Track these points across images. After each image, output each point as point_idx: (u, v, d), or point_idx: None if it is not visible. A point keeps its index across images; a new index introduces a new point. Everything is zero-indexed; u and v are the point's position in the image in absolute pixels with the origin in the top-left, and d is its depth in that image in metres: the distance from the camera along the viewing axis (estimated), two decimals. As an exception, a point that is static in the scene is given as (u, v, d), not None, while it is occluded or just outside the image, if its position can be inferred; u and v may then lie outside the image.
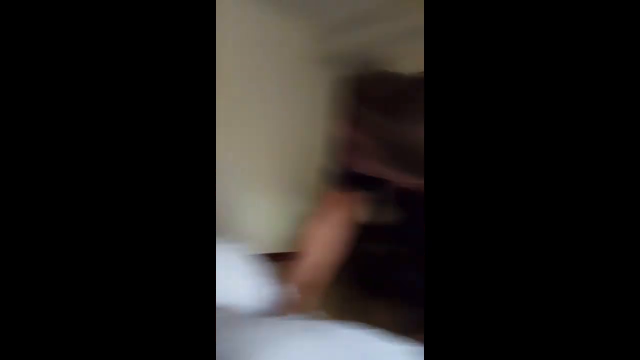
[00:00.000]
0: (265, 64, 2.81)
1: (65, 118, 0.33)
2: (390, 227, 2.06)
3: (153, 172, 0.35)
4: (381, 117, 0.47)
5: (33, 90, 0.33)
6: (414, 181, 0.55)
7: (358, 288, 2.15)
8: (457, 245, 0.34)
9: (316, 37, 2.95)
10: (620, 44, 0.31)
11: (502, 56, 0.34)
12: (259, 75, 2.78)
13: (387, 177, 0.56)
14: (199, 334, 0.34)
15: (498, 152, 0.34)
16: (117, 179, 0.34)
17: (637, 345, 0.29)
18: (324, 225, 0.78)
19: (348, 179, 0.72)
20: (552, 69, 0.33)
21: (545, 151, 0.33)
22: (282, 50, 2.89)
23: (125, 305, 0.33)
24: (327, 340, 0.54)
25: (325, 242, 0.77)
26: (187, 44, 0.36)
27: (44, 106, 0.33)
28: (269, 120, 2.92)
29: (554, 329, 0.31)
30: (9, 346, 0.31)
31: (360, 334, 0.58)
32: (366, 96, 0.49)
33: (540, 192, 0.33)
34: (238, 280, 0.83)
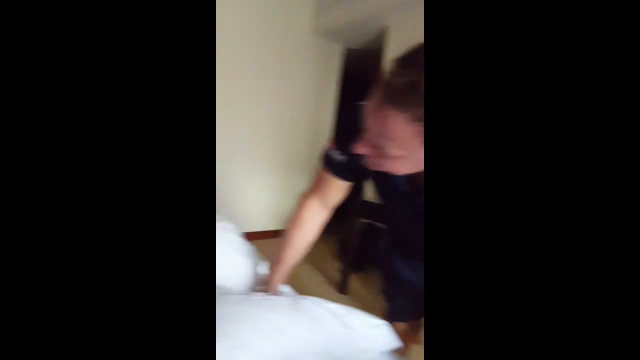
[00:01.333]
0: (268, 40, 2.74)
1: (66, 104, 0.34)
2: (374, 208, 2.07)
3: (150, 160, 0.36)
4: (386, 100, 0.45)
5: (25, 82, 0.33)
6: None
7: (342, 263, 2.23)
8: (457, 246, 0.34)
9: (320, 9, 2.87)
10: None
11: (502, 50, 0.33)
12: (261, 52, 2.72)
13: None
14: (199, 318, 0.36)
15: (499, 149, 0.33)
16: (119, 166, 0.35)
17: (637, 345, 0.29)
18: (309, 206, 0.81)
19: (342, 163, 0.74)
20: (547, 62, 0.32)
21: (548, 142, 0.32)
22: (285, 24, 2.82)
23: (125, 295, 0.34)
24: (306, 315, 0.60)
25: (305, 222, 0.81)
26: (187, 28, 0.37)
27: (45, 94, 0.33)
28: (271, 97, 2.89)
29: (553, 328, 0.31)
30: (8, 344, 0.31)
31: (336, 309, 0.64)
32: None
33: (543, 187, 0.32)
34: (227, 257, 0.89)
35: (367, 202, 2.21)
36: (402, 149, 0.49)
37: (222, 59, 2.48)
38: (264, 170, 3.00)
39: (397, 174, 0.56)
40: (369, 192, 2.65)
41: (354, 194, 1.96)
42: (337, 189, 0.79)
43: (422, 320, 1.40)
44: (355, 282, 2.35)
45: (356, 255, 2.29)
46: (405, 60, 0.44)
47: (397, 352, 0.70)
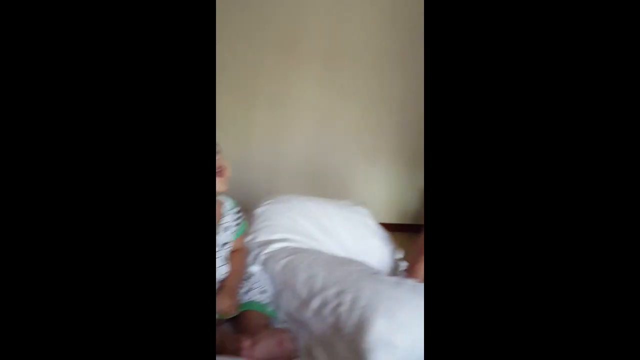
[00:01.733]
0: (394, 23, 2.68)
1: (71, 82, 0.33)
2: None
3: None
4: None
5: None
6: None
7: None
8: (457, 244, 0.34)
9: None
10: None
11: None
12: (387, 36, 2.67)
13: None
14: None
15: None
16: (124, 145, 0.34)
17: (637, 345, 0.29)
18: None
19: None
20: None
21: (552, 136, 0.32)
22: (412, 7, 2.70)
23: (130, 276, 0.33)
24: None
25: None
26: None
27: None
28: (397, 86, 2.83)
29: (553, 327, 0.31)
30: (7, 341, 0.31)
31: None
32: None
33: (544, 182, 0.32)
34: (368, 240, 0.90)
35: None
36: None
37: (348, 45, 2.52)
38: (385, 161, 2.97)
39: None
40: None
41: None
42: None
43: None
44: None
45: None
46: None
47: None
